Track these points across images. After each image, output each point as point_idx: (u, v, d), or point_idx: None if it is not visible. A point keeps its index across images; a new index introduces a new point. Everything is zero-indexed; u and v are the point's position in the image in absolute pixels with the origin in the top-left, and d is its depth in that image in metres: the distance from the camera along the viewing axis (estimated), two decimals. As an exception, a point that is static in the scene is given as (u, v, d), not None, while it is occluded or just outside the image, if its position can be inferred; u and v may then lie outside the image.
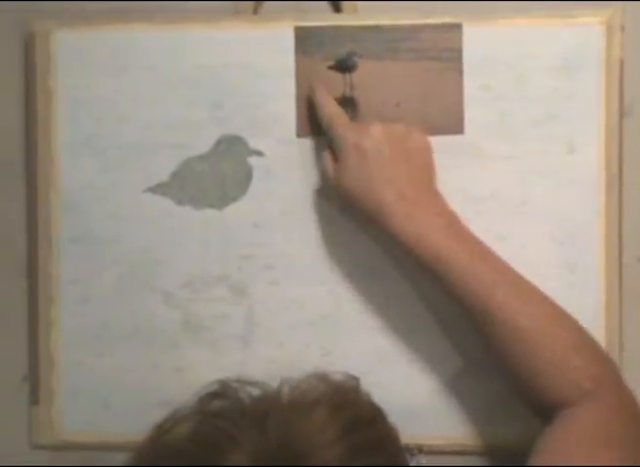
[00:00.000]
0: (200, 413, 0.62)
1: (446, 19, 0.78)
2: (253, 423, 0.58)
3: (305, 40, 0.79)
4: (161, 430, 0.61)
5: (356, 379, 0.66)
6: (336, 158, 0.74)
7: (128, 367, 0.81)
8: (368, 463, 0.57)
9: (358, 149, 0.72)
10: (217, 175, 0.80)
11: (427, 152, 0.74)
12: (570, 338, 0.70)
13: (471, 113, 0.78)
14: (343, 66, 0.78)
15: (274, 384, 0.63)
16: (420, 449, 0.71)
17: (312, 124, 0.78)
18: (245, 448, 0.56)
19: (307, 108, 0.79)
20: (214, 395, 0.63)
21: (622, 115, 0.78)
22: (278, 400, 0.61)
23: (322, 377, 0.64)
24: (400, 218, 0.71)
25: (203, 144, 0.80)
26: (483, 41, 0.78)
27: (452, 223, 0.72)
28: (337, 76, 0.79)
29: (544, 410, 0.70)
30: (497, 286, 0.70)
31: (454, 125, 0.79)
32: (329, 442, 0.57)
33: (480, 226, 0.77)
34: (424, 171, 0.74)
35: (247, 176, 0.80)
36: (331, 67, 0.79)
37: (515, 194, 0.78)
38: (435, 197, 0.73)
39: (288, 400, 0.61)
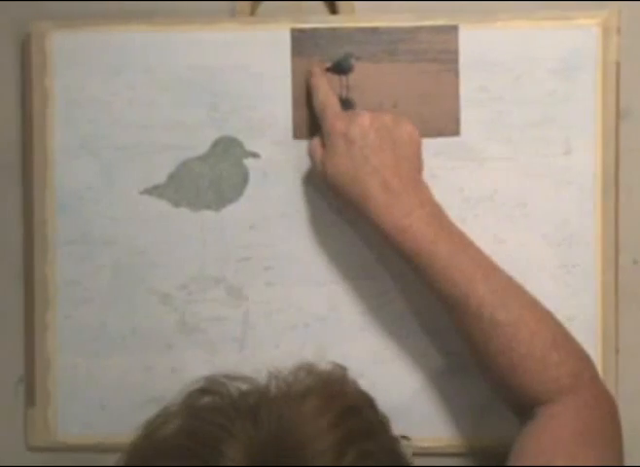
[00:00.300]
0: (191, 408, 0.62)
1: (443, 21, 0.78)
2: (245, 416, 0.58)
3: (302, 41, 0.79)
4: (153, 427, 0.61)
5: (343, 369, 0.66)
6: (324, 145, 0.74)
7: (125, 368, 0.81)
8: (362, 450, 0.57)
9: (345, 137, 0.72)
10: (214, 177, 0.80)
11: (414, 142, 0.73)
12: (549, 332, 0.70)
13: (467, 115, 0.78)
14: (340, 68, 0.78)
15: (262, 380, 0.63)
16: (406, 439, 0.70)
17: (309, 125, 0.78)
18: (239, 439, 0.56)
19: (304, 110, 0.79)
20: (202, 391, 0.63)
21: (618, 117, 0.78)
22: (267, 393, 0.61)
23: (309, 369, 0.64)
24: (382, 208, 0.70)
25: (200, 146, 0.80)
26: (480, 43, 0.78)
27: (435, 214, 0.72)
28: (333, 78, 0.78)
29: (523, 407, 0.70)
30: (478, 279, 0.69)
31: (451, 126, 0.79)
32: (322, 430, 0.57)
33: (476, 227, 0.77)
34: (410, 161, 0.73)
35: (243, 178, 0.80)
36: (327, 69, 0.78)
37: (512, 195, 0.79)
38: (419, 187, 0.72)
39: (277, 392, 0.61)
